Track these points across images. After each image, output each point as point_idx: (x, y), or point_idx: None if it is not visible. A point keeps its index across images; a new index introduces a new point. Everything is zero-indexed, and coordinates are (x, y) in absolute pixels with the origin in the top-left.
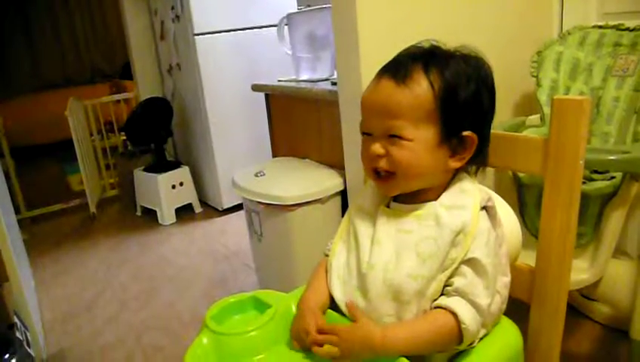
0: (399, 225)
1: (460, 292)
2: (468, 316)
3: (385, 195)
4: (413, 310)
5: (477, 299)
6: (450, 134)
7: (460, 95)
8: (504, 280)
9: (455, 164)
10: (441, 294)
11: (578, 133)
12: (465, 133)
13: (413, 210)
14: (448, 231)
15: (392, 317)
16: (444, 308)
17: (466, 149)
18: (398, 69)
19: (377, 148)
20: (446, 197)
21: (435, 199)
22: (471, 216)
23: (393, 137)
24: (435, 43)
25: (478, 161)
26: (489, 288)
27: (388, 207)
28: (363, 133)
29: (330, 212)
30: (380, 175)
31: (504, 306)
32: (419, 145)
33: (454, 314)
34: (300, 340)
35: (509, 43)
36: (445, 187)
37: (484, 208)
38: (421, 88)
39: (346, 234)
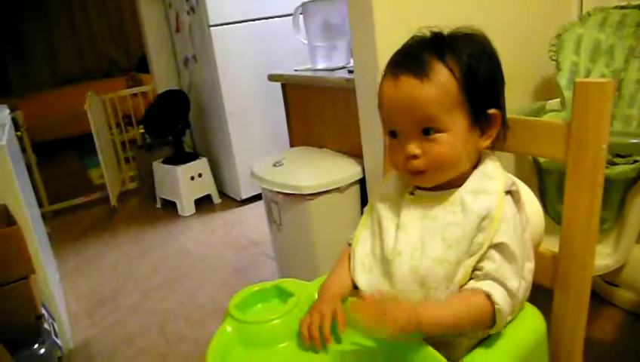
0: (424, 212)
1: (490, 276)
2: (501, 297)
3: (411, 184)
4: (440, 296)
5: (508, 282)
6: (478, 115)
7: (478, 74)
8: (528, 266)
9: (485, 143)
10: (470, 278)
11: (601, 117)
12: (490, 110)
13: (438, 197)
14: (474, 216)
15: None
16: (477, 290)
17: (492, 127)
18: (414, 62)
19: (413, 148)
20: (470, 183)
21: (460, 185)
22: (496, 201)
23: (428, 132)
24: (435, 29)
25: (501, 133)
26: (518, 272)
27: (412, 194)
28: (389, 133)
29: (349, 201)
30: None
31: (528, 293)
32: (454, 135)
33: (487, 296)
34: (307, 325)
35: (527, 26)
36: (470, 172)
37: (508, 193)
38: (444, 78)
39: (369, 222)
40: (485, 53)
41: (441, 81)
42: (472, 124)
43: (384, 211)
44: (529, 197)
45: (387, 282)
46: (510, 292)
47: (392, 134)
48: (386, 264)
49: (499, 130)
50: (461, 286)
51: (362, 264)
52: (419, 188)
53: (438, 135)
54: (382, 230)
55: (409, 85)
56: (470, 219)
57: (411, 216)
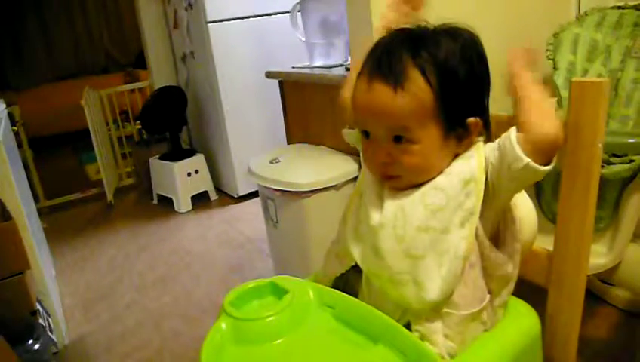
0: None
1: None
2: None
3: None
4: (430, 266)
5: None
6: (454, 125)
7: (458, 82)
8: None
9: (461, 149)
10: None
11: (597, 116)
12: (469, 120)
13: None
14: (456, 180)
15: (406, 275)
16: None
17: (471, 135)
18: (390, 68)
19: (383, 156)
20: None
21: None
22: (477, 163)
23: (399, 140)
24: (418, 24)
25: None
26: None
27: None
28: (362, 133)
29: (345, 198)
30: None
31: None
32: (427, 146)
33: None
34: None
35: (524, 25)
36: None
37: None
38: (419, 88)
39: (357, 197)
40: (470, 54)
41: (416, 91)
42: (447, 133)
43: (370, 180)
44: (521, 195)
45: (374, 254)
46: None
47: (365, 134)
48: (372, 236)
49: (481, 135)
50: (464, 260)
51: (354, 233)
52: None
53: (409, 145)
54: (368, 200)
55: (382, 93)
56: (453, 183)
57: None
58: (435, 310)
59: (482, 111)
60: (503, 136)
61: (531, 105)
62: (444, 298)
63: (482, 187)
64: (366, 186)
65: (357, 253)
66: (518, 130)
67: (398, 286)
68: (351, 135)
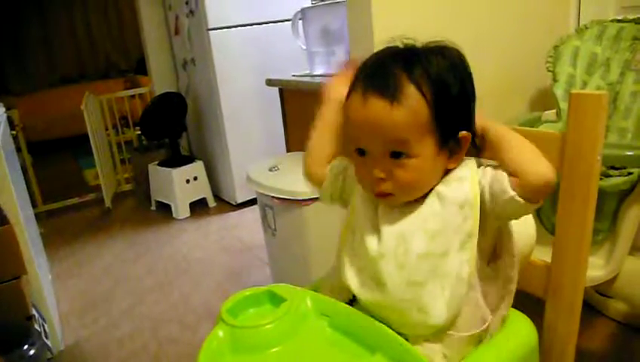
0: (402, 208)
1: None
2: None
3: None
4: (432, 291)
5: None
6: (447, 138)
7: (450, 96)
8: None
9: (452, 165)
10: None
11: (596, 129)
12: (461, 133)
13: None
14: (452, 206)
15: (409, 303)
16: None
17: (462, 149)
18: (385, 82)
19: (378, 172)
20: (443, 178)
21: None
22: (470, 185)
23: (396, 155)
24: (407, 41)
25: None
26: None
27: None
28: (357, 150)
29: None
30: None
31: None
32: (423, 160)
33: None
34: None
35: (525, 37)
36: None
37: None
38: (415, 101)
39: (349, 223)
40: (458, 70)
41: (412, 105)
42: (441, 147)
43: (363, 211)
44: None
45: (376, 284)
46: None
47: (360, 152)
48: (372, 265)
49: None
50: (462, 282)
51: (351, 266)
52: None
53: (407, 160)
54: (363, 231)
55: (378, 107)
56: (449, 209)
57: (389, 213)
58: (439, 332)
59: (470, 125)
60: (497, 166)
61: (519, 151)
62: (450, 320)
63: (478, 210)
64: (357, 219)
65: (355, 285)
66: (510, 175)
67: (401, 315)
68: (325, 195)
